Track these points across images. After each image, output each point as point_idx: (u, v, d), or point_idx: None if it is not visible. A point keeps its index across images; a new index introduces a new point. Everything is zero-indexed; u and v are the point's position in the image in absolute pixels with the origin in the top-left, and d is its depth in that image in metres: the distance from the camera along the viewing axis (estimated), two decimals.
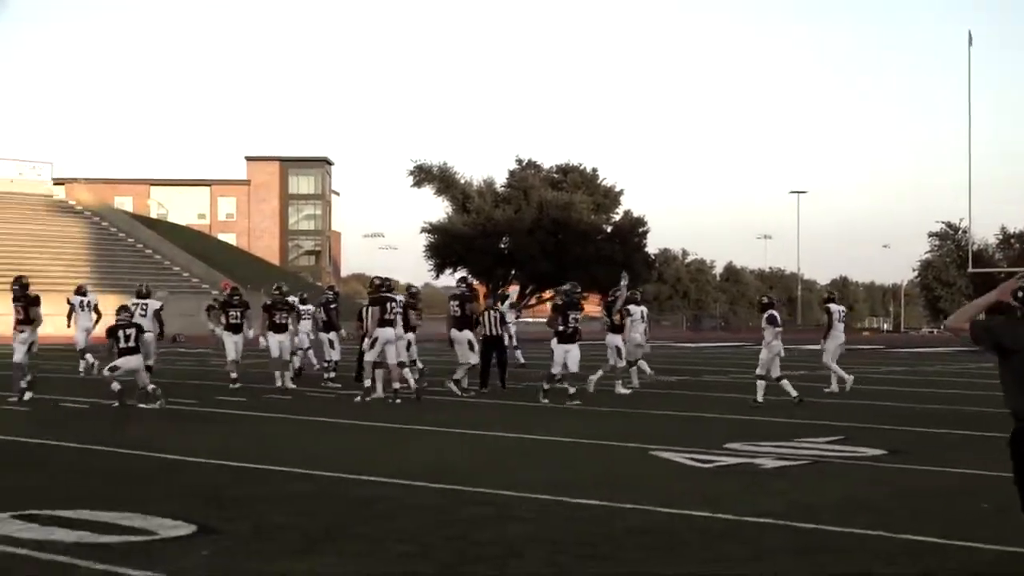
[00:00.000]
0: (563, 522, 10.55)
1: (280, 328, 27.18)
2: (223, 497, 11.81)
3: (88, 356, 31.70)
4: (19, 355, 23.05)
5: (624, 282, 25.92)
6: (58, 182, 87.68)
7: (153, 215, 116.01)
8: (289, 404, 23.10)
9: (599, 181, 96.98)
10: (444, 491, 12.23)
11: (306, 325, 30.63)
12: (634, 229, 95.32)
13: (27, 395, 22.69)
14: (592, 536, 9.88)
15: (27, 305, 23.39)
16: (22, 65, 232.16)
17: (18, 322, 23.42)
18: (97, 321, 32.32)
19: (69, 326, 32.29)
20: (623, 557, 9.09)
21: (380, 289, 24.28)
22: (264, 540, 9.65)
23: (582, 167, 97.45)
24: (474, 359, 25.81)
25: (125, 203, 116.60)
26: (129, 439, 16.70)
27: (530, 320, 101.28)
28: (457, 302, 26.07)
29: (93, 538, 9.50)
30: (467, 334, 25.78)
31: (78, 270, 70.58)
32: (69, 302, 32.40)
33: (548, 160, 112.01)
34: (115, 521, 10.23)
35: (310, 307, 30.86)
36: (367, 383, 23.76)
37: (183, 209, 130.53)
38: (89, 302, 32.66)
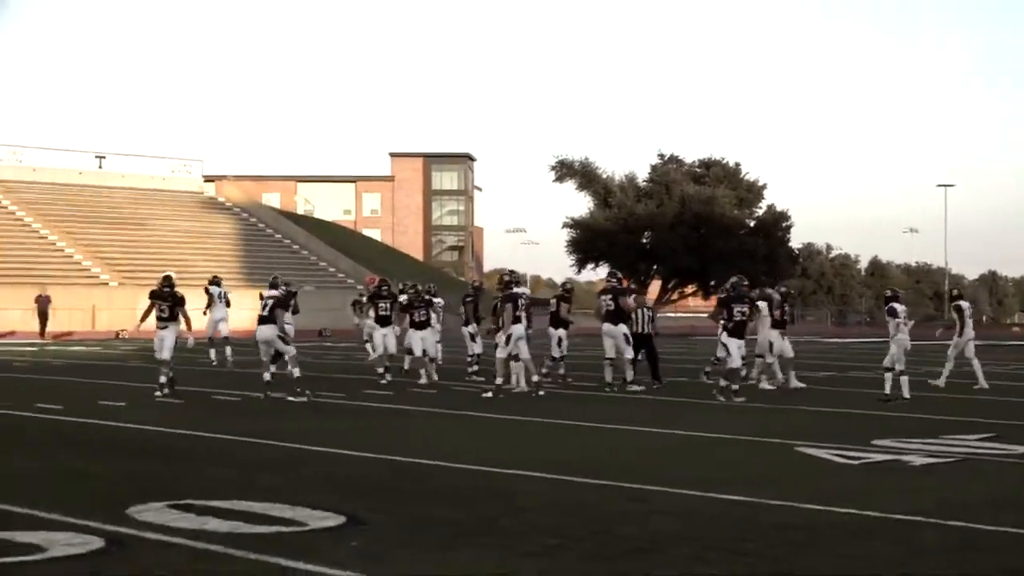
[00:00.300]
0: (708, 518, 10.49)
1: (421, 325, 27.29)
2: (371, 489, 11.94)
3: (213, 351, 32.46)
4: (166, 352, 23.35)
5: (734, 280, 25.09)
6: (208, 179, 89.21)
7: (300, 211, 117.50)
8: (434, 398, 23.27)
9: (742, 175, 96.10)
10: (588, 485, 12.23)
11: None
12: (777, 223, 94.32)
13: (164, 391, 22.97)
14: (737, 532, 9.81)
15: (174, 304, 23.72)
16: (174, 66, 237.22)
17: (160, 319, 23.76)
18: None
19: (205, 313, 32.85)
20: (769, 553, 9.02)
21: (509, 285, 24.25)
22: (411, 532, 9.74)
23: (725, 161, 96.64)
24: (629, 353, 25.49)
25: (273, 199, 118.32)
26: (278, 431, 16.94)
27: (672, 315, 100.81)
28: (610, 296, 25.72)
29: (246, 528, 9.67)
30: (622, 328, 25.44)
31: (227, 265, 71.82)
32: (208, 291, 32.98)
33: (690, 155, 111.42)
34: (266, 512, 10.40)
35: (440, 300, 30.78)
36: (498, 380, 23.57)
37: (329, 205, 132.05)
38: (223, 293, 33.40)
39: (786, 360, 26.34)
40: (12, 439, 16.38)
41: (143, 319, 23.79)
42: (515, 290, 24.13)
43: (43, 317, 55.34)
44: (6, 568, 8.29)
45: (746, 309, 23.71)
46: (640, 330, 26.52)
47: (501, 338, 23.72)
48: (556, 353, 26.60)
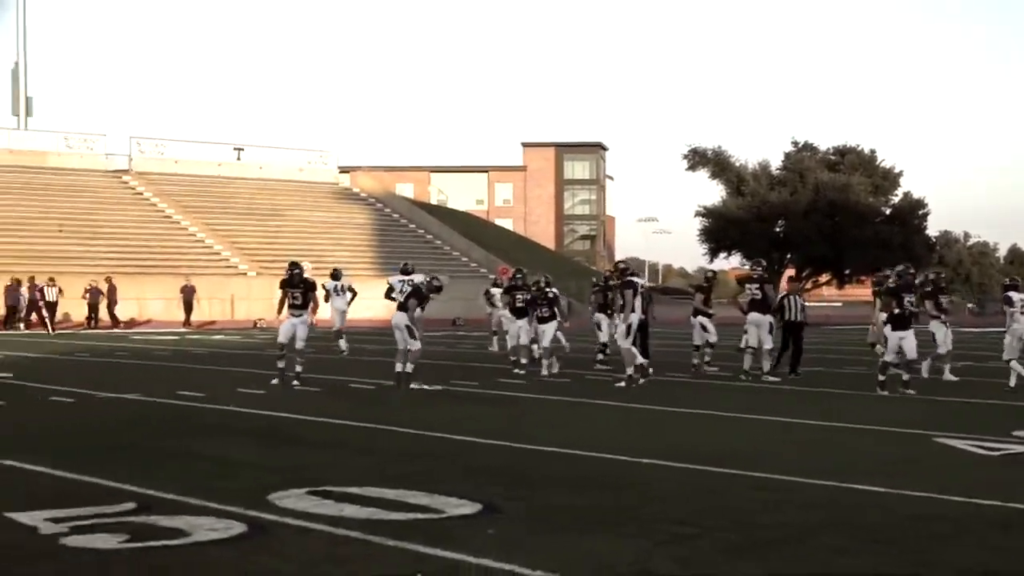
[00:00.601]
0: (847, 508, 10.36)
1: (544, 319, 27.07)
2: (505, 476, 11.98)
3: (342, 341, 32.96)
4: (299, 343, 23.42)
5: (900, 268, 24.37)
6: (343, 170, 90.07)
7: (433, 201, 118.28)
8: (566, 387, 23.25)
9: (877, 162, 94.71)
10: (722, 475, 12.15)
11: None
12: (914, 211, 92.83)
13: (282, 380, 22.93)
14: (876, 523, 9.68)
15: (305, 291, 23.72)
16: (310, 60, 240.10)
17: (292, 307, 23.61)
18: (352, 299, 33.97)
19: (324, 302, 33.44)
20: (913, 545, 8.88)
21: (626, 272, 23.96)
22: (547, 520, 9.75)
23: (860, 148, 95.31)
24: (769, 343, 25.02)
25: (406, 190, 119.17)
26: (413, 419, 17.06)
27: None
28: (756, 285, 25.32)
29: (383, 515, 9.76)
30: (768, 317, 25.07)
31: (362, 255, 72.50)
32: (324, 287, 33.50)
33: (825, 142, 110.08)
34: (403, 499, 10.48)
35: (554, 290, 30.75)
36: (629, 370, 23.25)
37: (461, 195, 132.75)
38: (342, 285, 34.42)
39: (942, 354, 25.61)
40: (154, 426, 16.70)
41: (279, 310, 23.86)
42: (633, 279, 23.79)
43: (188, 307, 56.48)
44: (152, 551, 8.47)
45: (915, 299, 22.69)
46: (792, 318, 25.93)
47: (622, 327, 23.31)
48: (699, 340, 26.53)
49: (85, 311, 53.95)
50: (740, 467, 12.53)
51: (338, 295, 33.98)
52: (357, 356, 31.97)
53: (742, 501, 10.67)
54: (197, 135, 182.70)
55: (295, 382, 22.91)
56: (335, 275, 34.54)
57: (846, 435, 16.10)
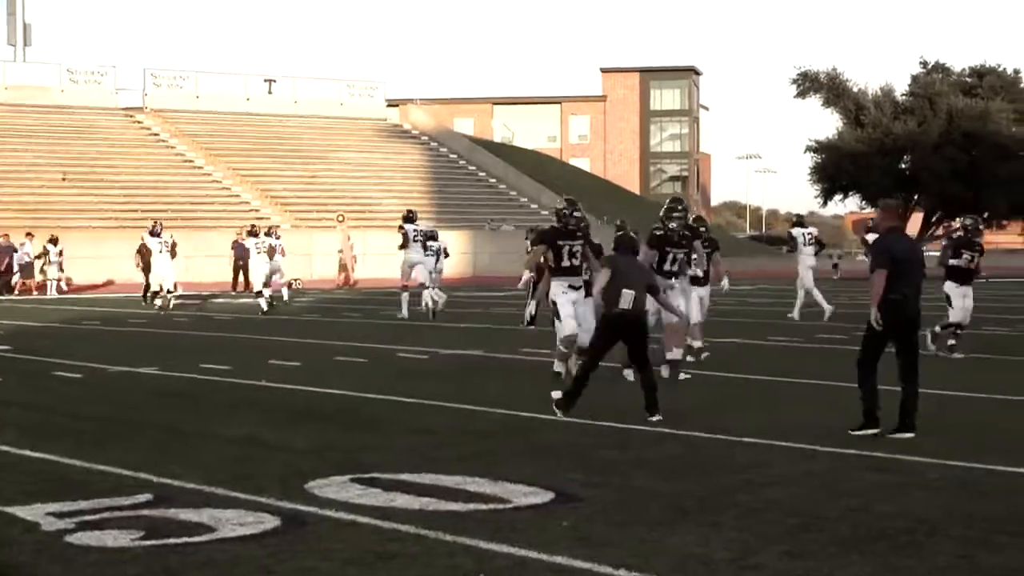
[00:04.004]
0: (983, 494, 10.31)
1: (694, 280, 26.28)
2: (581, 459, 12.00)
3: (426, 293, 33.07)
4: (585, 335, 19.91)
5: (968, 222, 23.32)
6: (392, 104, 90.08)
7: (497, 139, 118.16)
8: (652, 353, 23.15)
9: (1022, 85, 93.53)
10: (833, 455, 12.14)
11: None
12: None
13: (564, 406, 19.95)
14: (1017, 510, 9.62)
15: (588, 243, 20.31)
16: None
17: (562, 271, 18.13)
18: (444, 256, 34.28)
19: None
20: None
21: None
22: (630, 509, 9.77)
23: (1001, 69, 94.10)
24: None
25: (465, 126, 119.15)
26: (473, 394, 17.13)
27: (936, 254, 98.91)
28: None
29: (440, 505, 9.81)
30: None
31: (415, 202, 72.62)
32: (402, 229, 33.40)
33: (959, 62, 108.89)
34: (463, 487, 10.53)
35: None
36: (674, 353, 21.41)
37: (530, 131, 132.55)
38: (419, 232, 33.86)
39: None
40: (173, 403, 16.85)
41: (539, 280, 22.11)
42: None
43: (242, 269, 54.63)
44: (171, 550, 8.54)
45: (973, 255, 22.84)
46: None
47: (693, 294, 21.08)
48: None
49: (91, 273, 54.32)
50: (850, 445, 12.56)
51: (412, 244, 33.70)
52: (405, 319, 32.04)
53: (858, 486, 10.65)
54: (221, 66, 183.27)
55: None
56: (409, 218, 34.13)
57: (974, 406, 16.00)
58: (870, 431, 13.20)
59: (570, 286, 17.84)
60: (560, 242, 17.76)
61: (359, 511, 9.65)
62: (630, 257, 15.74)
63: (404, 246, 33.27)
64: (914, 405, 13.28)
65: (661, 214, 19.56)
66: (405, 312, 33.06)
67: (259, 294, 35.59)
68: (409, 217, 33.90)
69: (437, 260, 34.15)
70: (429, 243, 33.95)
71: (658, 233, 19.20)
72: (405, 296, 33.47)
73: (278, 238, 39.99)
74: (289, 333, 28.58)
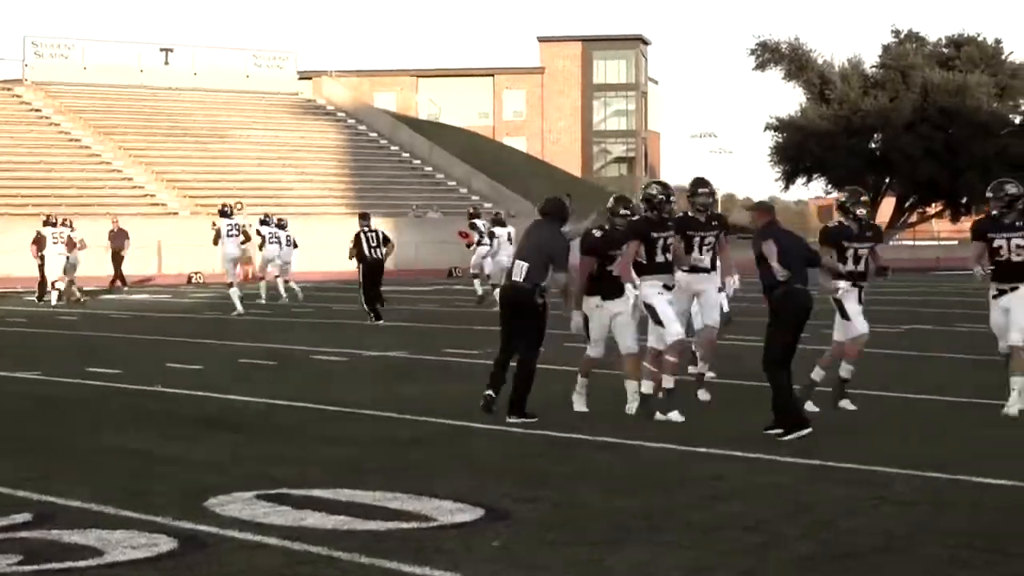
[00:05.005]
0: (957, 507, 10.40)
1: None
2: (515, 472, 12.03)
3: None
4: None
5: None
6: (304, 77, 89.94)
7: (422, 115, 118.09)
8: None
9: (1004, 57, 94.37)
10: (798, 467, 12.20)
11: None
12: None
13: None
14: (1001, 526, 9.71)
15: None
16: None
17: (653, 268, 16.57)
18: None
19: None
20: None
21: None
22: (568, 526, 9.79)
23: (981, 39, 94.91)
24: None
25: (387, 101, 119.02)
26: (395, 399, 17.16)
27: (909, 243, 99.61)
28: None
29: (356, 524, 9.80)
30: None
31: (328, 186, 72.58)
32: (257, 226, 35.31)
33: (935, 31, 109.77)
34: (383, 503, 10.53)
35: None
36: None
37: (459, 107, 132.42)
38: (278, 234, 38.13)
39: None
40: (56, 412, 16.76)
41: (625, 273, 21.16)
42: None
43: (118, 259, 53.96)
44: None
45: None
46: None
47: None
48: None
49: None
50: (820, 456, 12.63)
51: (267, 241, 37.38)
52: (317, 318, 32.01)
53: (824, 500, 10.72)
54: (111, 33, 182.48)
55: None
56: (265, 222, 37.52)
57: (954, 412, 16.13)
58: (800, 432, 13.57)
59: (665, 286, 16.22)
60: (655, 234, 16.25)
61: (266, 531, 9.62)
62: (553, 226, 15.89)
63: (217, 241, 35.03)
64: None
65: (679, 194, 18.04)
66: (240, 308, 33.73)
67: (53, 286, 37.72)
68: (224, 212, 35.87)
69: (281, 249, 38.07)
70: (279, 232, 38.12)
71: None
72: (236, 291, 34.17)
73: (73, 229, 41.25)
74: (188, 333, 28.48)
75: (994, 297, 15.80)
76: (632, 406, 15.52)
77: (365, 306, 30.76)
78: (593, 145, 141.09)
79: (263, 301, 36.80)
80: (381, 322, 29.87)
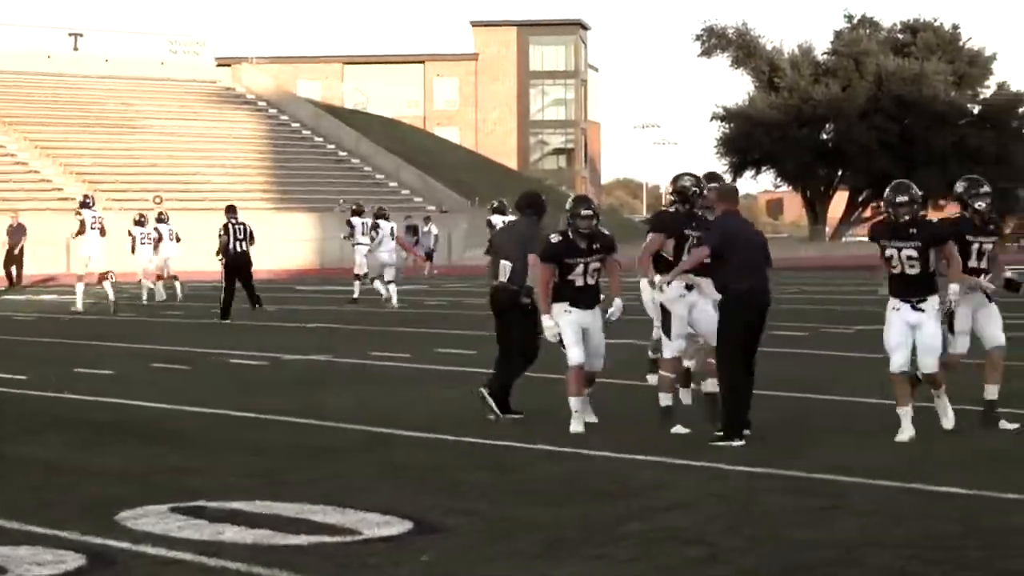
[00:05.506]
0: (912, 517, 10.46)
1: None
2: (446, 483, 12.02)
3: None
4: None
5: None
6: (222, 64, 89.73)
7: (348, 105, 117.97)
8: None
9: (962, 43, 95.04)
10: (742, 475, 12.24)
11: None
12: (1011, 109, 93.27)
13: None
14: (955, 535, 9.79)
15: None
16: None
17: None
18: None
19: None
20: (1002, 566, 9.01)
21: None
22: (502, 540, 9.81)
23: (937, 24, 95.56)
24: None
25: (311, 89, 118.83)
26: (319, 407, 17.16)
27: (865, 239, 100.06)
28: None
29: (277, 539, 9.79)
30: None
31: (248, 179, 72.36)
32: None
33: (889, 16, 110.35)
34: (305, 516, 10.52)
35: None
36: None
37: (388, 96, 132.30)
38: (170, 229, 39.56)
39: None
40: None
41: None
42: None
43: (12, 258, 53.77)
44: None
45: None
46: None
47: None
48: None
49: None
50: (765, 464, 12.66)
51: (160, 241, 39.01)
52: (238, 320, 31.95)
53: (772, 510, 10.76)
54: (16, 17, 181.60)
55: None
56: (158, 218, 38.23)
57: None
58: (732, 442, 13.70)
59: (687, 286, 15.64)
60: (687, 231, 15.89)
61: (180, 546, 9.59)
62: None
63: (81, 233, 35.79)
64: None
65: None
66: (80, 305, 35.51)
67: None
68: (85, 203, 36.68)
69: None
70: (161, 227, 39.87)
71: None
72: (81, 286, 35.97)
73: None
74: (98, 336, 28.33)
75: (895, 310, 15.10)
76: (575, 426, 15.12)
77: (221, 304, 31.91)
78: (530, 136, 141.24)
79: (159, 300, 39.38)
80: (229, 320, 31.41)
